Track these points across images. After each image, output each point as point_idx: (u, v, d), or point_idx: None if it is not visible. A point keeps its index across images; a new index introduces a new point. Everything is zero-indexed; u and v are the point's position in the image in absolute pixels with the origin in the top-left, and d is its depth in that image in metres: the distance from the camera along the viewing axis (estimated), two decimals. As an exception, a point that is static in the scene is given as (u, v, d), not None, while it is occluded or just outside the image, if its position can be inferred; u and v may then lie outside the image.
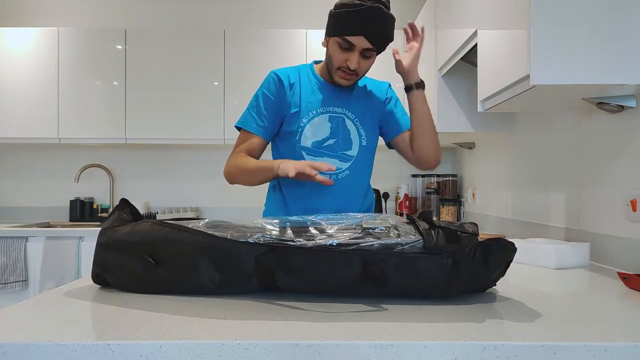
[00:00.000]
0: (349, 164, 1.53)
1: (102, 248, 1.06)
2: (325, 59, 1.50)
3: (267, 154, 1.56)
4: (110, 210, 3.55)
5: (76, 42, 3.30)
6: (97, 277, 1.07)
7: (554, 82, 1.27)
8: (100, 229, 1.09)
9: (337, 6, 1.39)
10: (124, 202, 1.14)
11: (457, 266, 0.93)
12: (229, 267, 0.97)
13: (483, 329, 0.79)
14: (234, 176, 1.49)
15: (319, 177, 1.30)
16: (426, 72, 2.75)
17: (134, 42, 3.30)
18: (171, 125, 3.29)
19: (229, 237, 0.97)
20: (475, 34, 1.87)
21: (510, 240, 0.97)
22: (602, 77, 1.25)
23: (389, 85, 1.66)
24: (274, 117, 1.51)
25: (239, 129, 1.55)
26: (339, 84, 1.47)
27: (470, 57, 2.11)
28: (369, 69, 1.47)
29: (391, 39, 1.41)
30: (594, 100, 1.44)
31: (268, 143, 1.56)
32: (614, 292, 1.12)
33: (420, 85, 1.51)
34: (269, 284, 0.98)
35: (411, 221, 1.05)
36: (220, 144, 3.32)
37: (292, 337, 0.73)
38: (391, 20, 1.38)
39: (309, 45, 3.31)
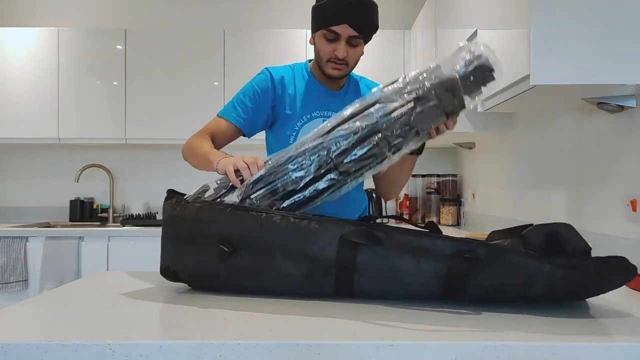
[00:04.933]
0: None
1: (168, 241, 1.03)
2: (315, 56, 1.51)
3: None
4: (111, 210, 3.56)
5: (76, 42, 3.29)
6: (166, 271, 1.05)
7: (554, 82, 1.27)
8: (163, 220, 1.07)
9: (318, 0, 1.42)
10: (171, 192, 1.13)
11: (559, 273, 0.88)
12: (310, 253, 0.94)
13: (483, 329, 0.79)
14: (185, 154, 1.47)
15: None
16: (426, 72, 2.74)
17: (134, 42, 3.30)
18: (171, 125, 3.29)
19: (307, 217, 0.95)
20: (475, 34, 1.87)
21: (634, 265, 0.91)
22: (602, 77, 1.25)
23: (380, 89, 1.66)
24: (257, 112, 1.50)
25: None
26: (331, 75, 1.47)
27: (470, 57, 2.11)
28: (358, 57, 1.47)
29: (376, 27, 1.42)
30: (594, 100, 1.43)
31: (242, 136, 1.53)
32: (614, 292, 1.12)
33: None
34: (346, 282, 0.94)
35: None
36: (220, 144, 3.31)
37: (292, 337, 0.74)
38: (374, 7, 1.40)
39: (309, 45, 3.30)
